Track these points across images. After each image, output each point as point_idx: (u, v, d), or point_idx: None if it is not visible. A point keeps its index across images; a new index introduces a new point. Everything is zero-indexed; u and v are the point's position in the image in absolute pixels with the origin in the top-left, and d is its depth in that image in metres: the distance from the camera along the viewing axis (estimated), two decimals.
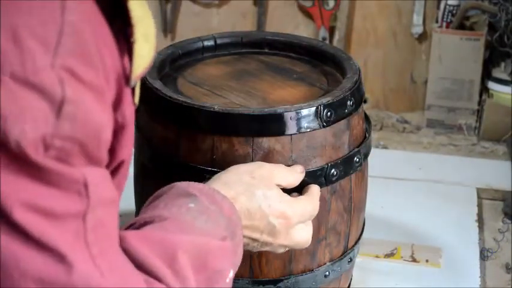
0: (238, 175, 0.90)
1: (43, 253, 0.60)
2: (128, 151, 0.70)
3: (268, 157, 0.98)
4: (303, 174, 0.97)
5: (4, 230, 0.59)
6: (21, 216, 0.59)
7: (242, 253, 0.84)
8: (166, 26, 2.07)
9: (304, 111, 0.99)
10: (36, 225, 0.60)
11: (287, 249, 0.94)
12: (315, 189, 0.97)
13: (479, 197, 1.67)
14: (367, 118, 1.14)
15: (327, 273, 1.08)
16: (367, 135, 1.12)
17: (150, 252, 0.72)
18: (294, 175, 0.96)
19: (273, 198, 0.89)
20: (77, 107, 0.59)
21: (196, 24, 2.06)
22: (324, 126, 1.00)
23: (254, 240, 0.89)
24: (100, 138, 0.63)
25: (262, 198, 0.88)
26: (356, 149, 1.06)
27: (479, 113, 1.94)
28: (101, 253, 0.64)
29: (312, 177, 1.00)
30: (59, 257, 0.61)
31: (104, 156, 0.65)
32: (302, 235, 0.93)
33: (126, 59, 0.67)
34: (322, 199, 1.01)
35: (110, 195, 0.66)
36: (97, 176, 0.64)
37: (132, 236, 0.73)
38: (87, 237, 0.63)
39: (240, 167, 0.92)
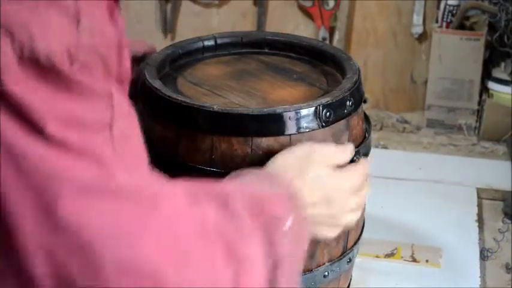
0: (292, 159, 0.94)
1: (81, 160, 0.61)
2: (126, 72, 0.70)
3: (267, 157, 0.98)
4: (353, 153, 1.00)
5: (41, 145, 0.60)
6: (56, 129, 0.60)
7: (306, 230, 0.87)
8: (166, 26, 2.07)
9: (304, 111, 0.99)
10: (70, 136, 0.60)
11: (347, 223, 0.98)
12: (361, 162, 1.01)
13: (479, 197, 1.67)
14: (367, 118, 1.14)
15: (326, 273, 1.08)
16: (366, 135, 1.12)
17: (195, 187, 0.73)
18: (344, 156, 0.98)
19: (325, 176, 0.94)
20: (91, 19, 0.61)
21: (196, 24, 2.06)
22: (323, 127, 1.00)
23: (316, 216, 0.93)
24: (112, 51, 0.64)
25: (316, 179, 0.92)
26: (355, 150, 1.06)
27: (479, 113, 1.94)
28: (131, 166, 0.65)
29: None
30: (99, 162, 0.62)
31: (115, 70, 0.66)
32: (355, 203, 0.98)
33: None
34: None
35: (127, 108, 0.67)
36: (115, 89, 0.65)
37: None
38: (116, 148, 0.63)
39: (292, 151, 0.96)
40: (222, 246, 0.71)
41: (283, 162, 0.94)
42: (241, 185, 0.84)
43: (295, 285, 0.83)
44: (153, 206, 0.65)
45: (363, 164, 1.01)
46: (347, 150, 0.99)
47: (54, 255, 0.61)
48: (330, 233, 0.97)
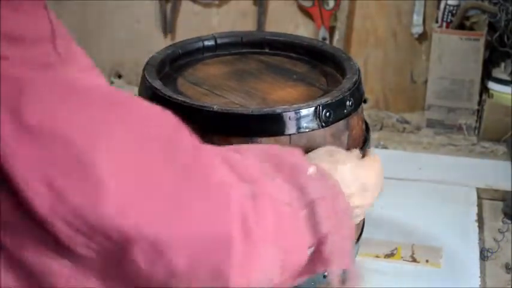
0: (319, 155, 0.95)
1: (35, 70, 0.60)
2: None
3: None
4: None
5: None
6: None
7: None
8: (166, 26, 2.07)
9: (303, 112, 0.99)
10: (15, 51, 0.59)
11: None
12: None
13: (479, 197, 1.67)
14: (366, 125, 1.14)
15: (326, 273, 1.08)
16: (367, 136, 1.12)
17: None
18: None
19: (356, 167, 0.95)
20: None
21: (196, 24, 2.06)
22: (323, 127, 1.00)
23: (354, 207, 0.94)
24: None
25: (346, 170, 0.93)
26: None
27: (479, 113, 1.94)
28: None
29: None
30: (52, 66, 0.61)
31: None
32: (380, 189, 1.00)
33: None
34: None
35: (65, 31, 0.66)
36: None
37: None
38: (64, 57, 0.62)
39: (320, 148, 0.97)
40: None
41: (314, 158, 0.94)
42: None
43: (345, 230, 0.83)
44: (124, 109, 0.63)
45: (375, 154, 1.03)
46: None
47: (40, 166, 0.58)
48: (358, 220, 1.00)
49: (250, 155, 0.78)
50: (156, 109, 0.66)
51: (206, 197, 0.64)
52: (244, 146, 0.81)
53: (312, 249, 0.78)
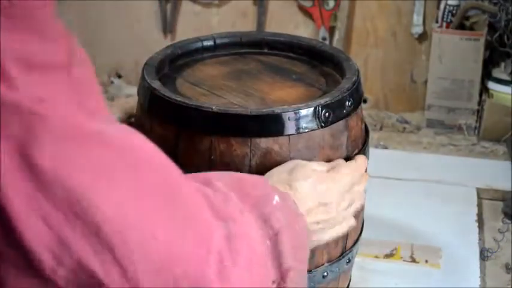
0: (279, 174, 0.95)
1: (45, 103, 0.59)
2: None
3: (266, 157, 0.98)
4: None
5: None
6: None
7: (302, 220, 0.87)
8: (166, 26, 2.07)
9: (303, 112, 0.99)
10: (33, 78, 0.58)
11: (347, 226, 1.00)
12: (357, 159, 1.02)
13: (479, 197, 1.67)
14: (365, 125, 1.14)
15: (325, 273, 1.08)
16: (366, 138, 1.12)
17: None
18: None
19: (315, 182, 0.94)
20: None
21: (196, 24, 2.06)
22: (322, 127, 1.00)
23: (315, 222, 0.94)
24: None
25: (306, 186, 0.93)
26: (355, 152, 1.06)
27: (479, 113, 1.94)
28: (95, 112, 0.63)
29: None
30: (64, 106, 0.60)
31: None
32: (349, 200, 0.99)
33: None
34: None
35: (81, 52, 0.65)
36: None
37: None
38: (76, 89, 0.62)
39: (279, 167, 0.97)
40: (208, 207, 0.71)
41: (271, 179, 0.94)
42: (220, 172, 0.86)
43: (303, 262, 0.83)
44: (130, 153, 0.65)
45: (358, 159, 1.02)
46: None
47: (46, 216, 0.58)
48: (333, 234, 0.99)
49: (221, 186, 0.79)
50: (160, 158, 0.69)
51: (194, 236, 0.67)
52: (215, 176, 0.81)
53: (276, 284, 0.80)
